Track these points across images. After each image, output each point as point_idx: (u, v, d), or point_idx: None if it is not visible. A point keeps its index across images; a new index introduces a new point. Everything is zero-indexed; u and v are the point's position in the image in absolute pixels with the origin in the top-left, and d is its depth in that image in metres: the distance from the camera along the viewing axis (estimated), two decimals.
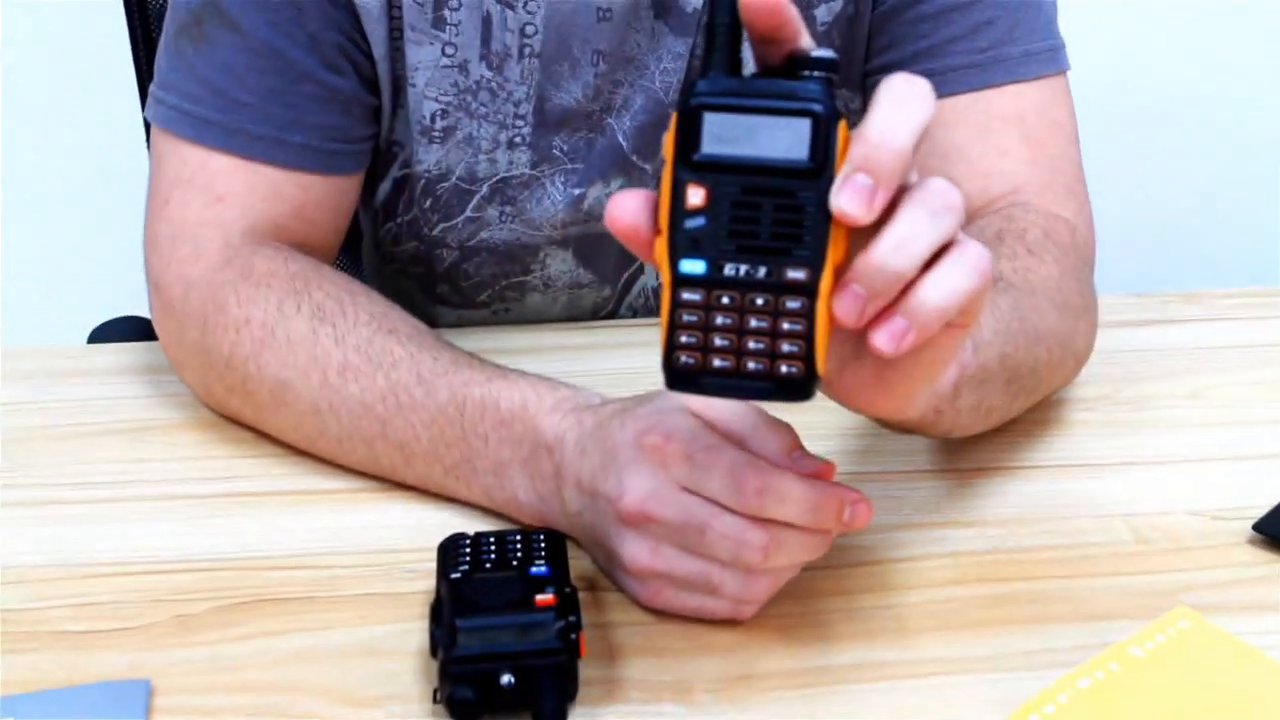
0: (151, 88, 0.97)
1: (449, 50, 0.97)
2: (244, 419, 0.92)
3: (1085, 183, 1.01)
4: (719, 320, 0.63)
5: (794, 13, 0.63)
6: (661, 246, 0.63)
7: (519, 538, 0.76)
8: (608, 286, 1.09)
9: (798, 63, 0.63)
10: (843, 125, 0.62)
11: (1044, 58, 0.99)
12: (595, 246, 1.06)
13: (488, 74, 0.98)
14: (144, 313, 1.22)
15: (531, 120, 0.99)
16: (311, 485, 0.88)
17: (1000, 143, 0.98)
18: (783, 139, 0.62)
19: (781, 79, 0.63)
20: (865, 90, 1.04)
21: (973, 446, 0.90)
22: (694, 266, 0.63)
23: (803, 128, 0.62)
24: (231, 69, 0.93)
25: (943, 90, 0.98)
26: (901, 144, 0.62)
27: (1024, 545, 0.83)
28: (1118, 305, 1.04)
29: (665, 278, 0.64)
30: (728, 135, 0.62)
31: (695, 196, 0.63)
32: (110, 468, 0.90)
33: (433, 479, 0.85)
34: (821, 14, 1.00)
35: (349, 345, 0.87)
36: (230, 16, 0.93)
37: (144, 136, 1.27)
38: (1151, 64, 2.09)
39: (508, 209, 1.03)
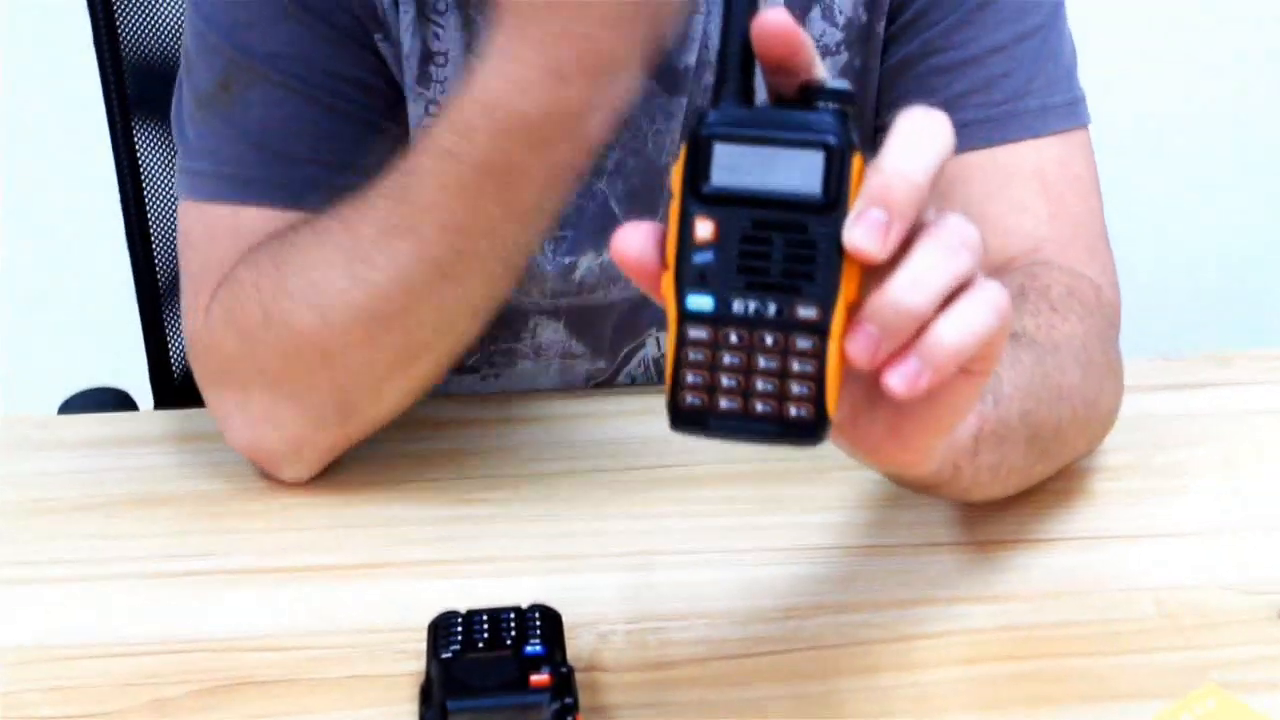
0: (179, 163, 0.99)
1: (432, 109, 0.98)
2: (311, 386, 0.92)
3: (1109, 241, 1.02)
4: (726, 359, 0.64)
5: (808, 42, 0.64)
6: (668, 281, 0.64)
7: (513, 616, 0.77)
8: (602, 360, 1.10)
9: (812, 93, 0.64)
10: (858, 158, 0.64)
11: (1063, 112, 1.01)
12: (588, 319, 1.07)
13: None
14: (116, 384, 1.24)
15: None
16: (293, 562, 0.90)
17: (1019, 199, 0.99)
18: (795, 171, 0.63)
19: (795, 110, 0.64)
20: (876, 145, 1.05)
21: (992, 518, 0.91)
22: (701, 302, 0.64)
23: (815, 160, 0.63)
24: (270, 123, 0.95)
25: (957, 146, 1.00)
26: (918, 177, 0.63)
27: (1045, 621, 0.84)
28: (1145, 369, 1.05)
29: (671, 314, 0.64)
30: (738, 167, 0.63)
31: (704, 230, 0.64)
32: (82, 544, 0.91)
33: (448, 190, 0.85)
34: (828, 66, 1.01)
35: (343, 213, 0.89)
36: (259, 71, 0.95)
37: (118, 202, 1.28)
38: (1178, 117, 2.12)
39: None
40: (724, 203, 0.63)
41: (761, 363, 0.64)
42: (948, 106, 0.99)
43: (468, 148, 0.83)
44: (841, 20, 1.00)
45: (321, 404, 0.93)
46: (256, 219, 0.95)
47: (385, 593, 0.87)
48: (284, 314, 0.90)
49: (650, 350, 1.11)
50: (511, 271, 0.89)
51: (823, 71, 0.65)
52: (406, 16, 0.96)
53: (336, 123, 0.96)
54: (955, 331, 0.64)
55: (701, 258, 0.64)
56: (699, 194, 0.64)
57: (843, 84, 0.65)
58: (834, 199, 0.63)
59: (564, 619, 0.78)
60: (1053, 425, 0.87)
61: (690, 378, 0.65)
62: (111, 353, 1.00)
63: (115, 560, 0.90)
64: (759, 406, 0.64)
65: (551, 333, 1.08)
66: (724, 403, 0.64)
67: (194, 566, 0.89)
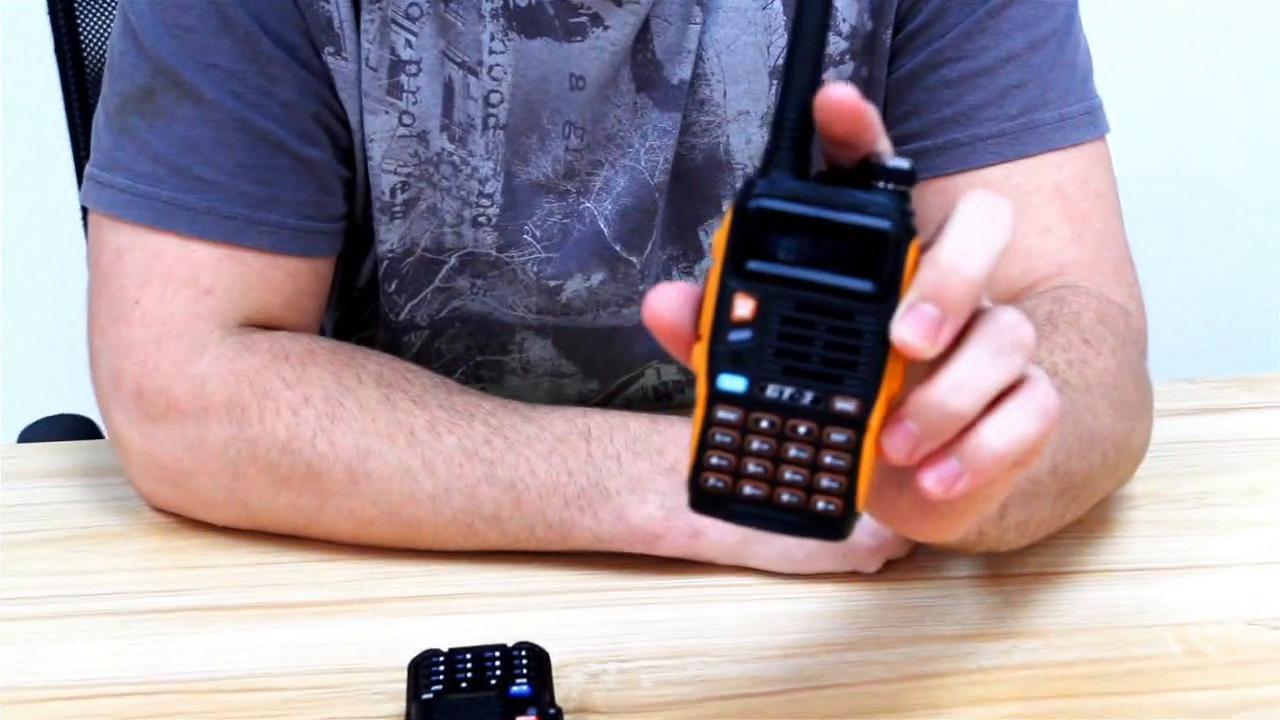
0: (90, 169, 0.97)
1: (406, 120, 0.98)
2: (292, 518, 0.93)
3: (1133, 260, 1.02)
4: (755, 445, 0.64)
5: (874, 117, 0.63)
6: (701, 353, 0.64)
7: (498, 654, 0.77)
8: (594, 381, 1.10)
9: (870, 170, 0.63)
10: (914, 245, 0.62)
11: (1081, 122, 1.01)
12: (576, 339, 1.07)
13: (449, 147, 0.99)
14: (80, 410, 1.24)
15: (500, 200, 1.01)
16: (266, 599, 0.90)
17: (1040, 219, 0.99)
18: (846, 255, 0.62)
19: (850, 187, 0.63)
20: None
21: (1006, 550, 0.91)
22: (733, 384, 0.63)
23: (869, 246, 0.62)
24: (194, 144, 0.95)
25: (972, 162, 1.00)
26: (976, 274, 0.62)
27: (1062, 659, 0.84)
28: (1169, 392, 1.05)
29: (701, 389, 0.64)
30: (785, 245, 0.63)
31: (743, 308, 0.63)
32: (43, 580, 0.92)
33: (545, 517, 0.89)
34: (830, 78, 1.02)
35: (430, 404, 0.91)
36: (189, 86, 0.94)
37: (78, 223, 1.28)
38: (1206, 132, 2.12)
39: (479, 281, 1.04)
40: (767, 281, 0.63)
41: (792, 452, 0.64)
42: (961, 120, 1.01)
43: (582, 514, 0.89)
44: (846, 29, 1.01)
45: (274, 520, 0.94)
46: (209, 259, 0.95)
47: (363, 631, 0.87)
48: (314, 450, 0.91)
49: (650, 379, 1.11)
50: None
51: (886, 146, 0.64)
52: (371, 26, 0.96)
53: (262, 154, 0.96)
54: (999, 438, 0.64)
55: (738, 336, 0.63)
56: (741, 269, 0.63)
57: (904, 163, 0.63)
58: (885, 289, 0.62)
59: (552, 657, 0.79)
60: (1083, 473, 0.87)
61: (715, 460, 0.64)
62: (73, 377, 1.00)
63: (79, 597, 0.90)
64: (784, 496, 0.64)
65: (539, 349, 1.08)
66: (748, 489, 0.64)
67: (163, 604, 0.89)
